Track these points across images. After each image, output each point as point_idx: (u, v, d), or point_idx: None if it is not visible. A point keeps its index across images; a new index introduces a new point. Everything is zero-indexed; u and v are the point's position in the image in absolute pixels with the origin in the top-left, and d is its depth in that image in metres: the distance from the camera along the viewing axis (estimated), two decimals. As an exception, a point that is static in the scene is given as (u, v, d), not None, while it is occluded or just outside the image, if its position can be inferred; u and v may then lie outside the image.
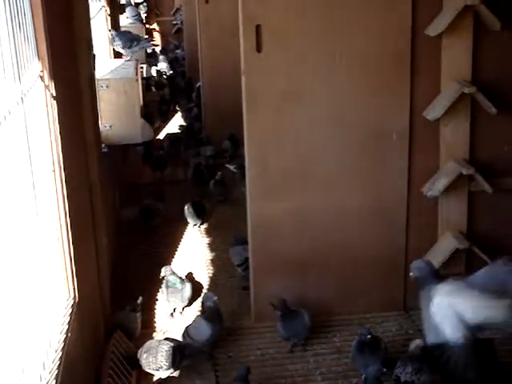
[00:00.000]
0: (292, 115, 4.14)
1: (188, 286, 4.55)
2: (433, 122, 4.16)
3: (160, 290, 4.62)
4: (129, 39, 5.70)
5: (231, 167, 6.42)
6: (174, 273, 4.58)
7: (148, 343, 3.87)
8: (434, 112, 4.13)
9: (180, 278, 4.59)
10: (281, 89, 4.08)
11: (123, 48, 5.73)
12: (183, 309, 4.58)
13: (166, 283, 4.52)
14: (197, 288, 4.79)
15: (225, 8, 7.28)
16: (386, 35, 4.06)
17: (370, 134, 4.20)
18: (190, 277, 4.95)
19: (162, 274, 4.55)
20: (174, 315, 4.55)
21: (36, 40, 2.93)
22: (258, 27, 3.94)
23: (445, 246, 4.30)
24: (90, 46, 4.54)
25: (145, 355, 3.79)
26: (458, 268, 4.37)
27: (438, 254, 4.28)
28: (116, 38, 5.81)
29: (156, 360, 3.77)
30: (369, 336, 3.72)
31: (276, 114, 4.13)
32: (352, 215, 4.30)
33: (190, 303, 4.61)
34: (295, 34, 4.02)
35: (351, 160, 4.23)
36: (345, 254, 4.34)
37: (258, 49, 3.96)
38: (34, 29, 2.92)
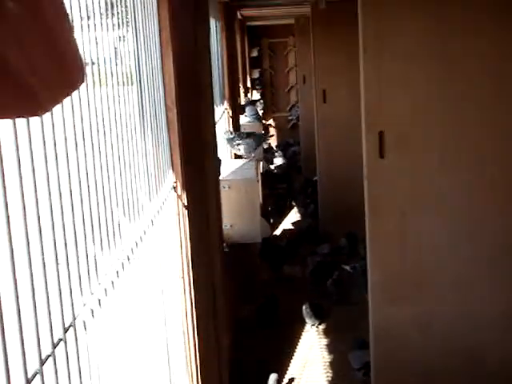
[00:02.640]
0: (416, 220, 4.10)
1: None
2: None
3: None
4: (250, 146, 5.90)
5: (347, 267, 6.38)
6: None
7: None
8: None
9: None
10: (405, 193, 4.07)
11: (245, 154, 5.94)
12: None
13: None
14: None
15: (342, 108, 7.44)
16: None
17: (503, 241, 4.06)
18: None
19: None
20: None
21: (171, 153, 3.08)
22: (380, 133, 3.98)
23: None
24: (216, 151, 4.73)
25: None
26: None
27: None
28: (238, 144, 6.03)
29: None
30: None
31: (400, 219, 4.10)
32: (486, 323, 4.14)
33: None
34: (418, 138, 4.03)
35: (480, 268, 4.10)
36: (478, 368, 4.15)
37: (381, 155, 3.99)
38: (170, 142, 3.08)
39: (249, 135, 6.39)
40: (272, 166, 11.62)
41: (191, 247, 3.27)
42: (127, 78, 2.47)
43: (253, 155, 6.01)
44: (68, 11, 1.80)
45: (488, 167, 4.03)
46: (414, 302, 4.16)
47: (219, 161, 4.81)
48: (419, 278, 4.14)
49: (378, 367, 4.28)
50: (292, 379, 4.92)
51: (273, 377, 4.18)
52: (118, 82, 2.29)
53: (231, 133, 6.51)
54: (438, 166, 4.05)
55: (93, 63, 2.01)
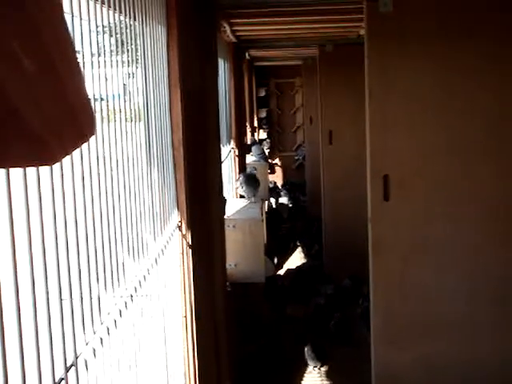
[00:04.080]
0: (418, 264, 4.10)
1: None
2: None
3: None
4: (254, 188, 5.95)
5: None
6: None
7: None
8: None
9: None
10: (408, 238, 4.08)
11: (248, 197, 5.98)
12: None
13: None
14: None
15: (348, 149, 7.48)
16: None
17: (500, 284, 4.08)
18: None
19: None
20: None
21: (176, 192, 3.10)
22: (385, 177, 4.00)
23: None
24: (221, 190, 4.76)
25: None
26: None
27: None
28: (243, 186, 6.07)
29: None
30: None
31: (402, 262, 4.11)
32: (487, 368, 4.11)
33: None
34: (421, 183, 4.05)
35: (481, 312, 4.09)
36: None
37: (386, 198, 4.01)
38: (176, 181, 3.10)
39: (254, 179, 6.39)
40: (276, 205, 11.64)
41: (194, 286, 3.27)
42: (135, 115, 2.51)
43: (253, 199, 6.05)
44: (79, 56, 1.83)
45: (496, 210, 4.04)
46: (416, 346, 4.14)
47: (224, 200, 4.83)
48: (421, 321, 4.13)
49: (380, 411, 4.24)
50: None
51: None
52: (126, 119, 2.32)
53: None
54: (441, 211, 4.07)
55: (102, 99, 2.04)
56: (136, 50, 2.59)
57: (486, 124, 3.99)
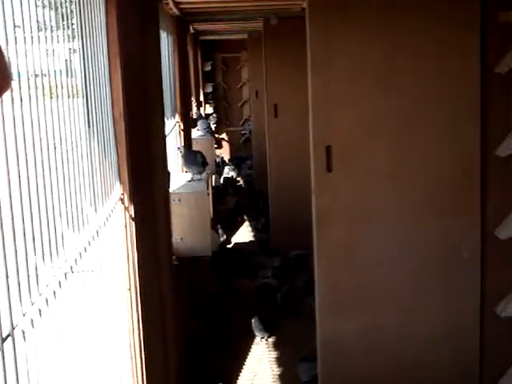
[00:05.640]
0: (361, 232, 4.17)
1: None
2: (505, 241, 4.11)
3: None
4: (198, 167, 5.92)
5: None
6: None
7: None
8: (505, 231, 4.09)
9: None
10: (350, 207, 4.14)
11: (193, 175, 5.98)
12: None
13: None
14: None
15: (293, 123, 7.52)
16: (455, 156, 4.10)
17: (440, 252, 4.18)
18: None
19: None
20: None
21: (118, 166, 3.07)
22: (328, 148, 4.05)
23: (522, 368, 4.15)
24: (165, 164, 4.73)
25: None
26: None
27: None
28: (186, 165, 6.06)
29: None
30: None
31: (345, 232, 4.17)
32: (423, 337, 4.22)
33: None
34: (364, 153, 4.11)
35: (421, 280, 4.20)
36: (416, 378, 4.24)
37: (329, 169, 4.06)
38: (118, 154, 3.07)
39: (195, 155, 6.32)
40: (223, 179, 11.65)
41: (138, 259, 3.26)
42: (76, 87, 2.47)
43: (199, 177, 6.03)
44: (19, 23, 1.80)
45: (433, 181, 4.13)
46: (360, 315, 4.22)
47: (169, 174, 4.81)
48: (365, 290, 4.21)
49: (324, 379, 4.32)
50: None
51: None
52: (68, 95, 2.30)
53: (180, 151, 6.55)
54: (383, 180, 4.13)
55: (44, 75, 2.02)
56: (77, 23, 2.55)
57: (428, 98, 4.06)
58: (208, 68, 14.39)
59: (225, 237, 8.54)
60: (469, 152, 4.11)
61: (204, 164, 5.97)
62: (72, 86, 2.45)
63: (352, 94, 4.06)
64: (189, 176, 6.23)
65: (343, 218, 4.14)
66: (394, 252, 4.20)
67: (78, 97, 2.47)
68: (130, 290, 3.22)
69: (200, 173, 5.97)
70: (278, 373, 5.37)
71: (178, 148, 6.75)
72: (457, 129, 4.08)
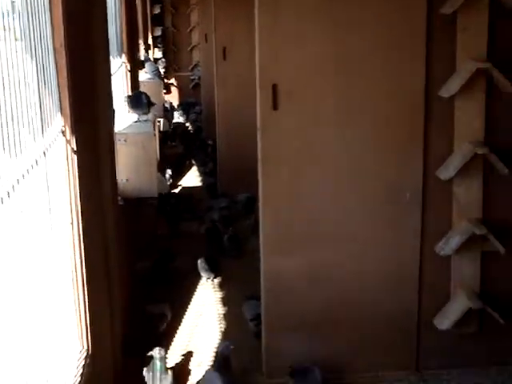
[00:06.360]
0: (306, 172, 4.19)
1: (168, 381, 4.16)
2: (446, 181, 4.20)
3: (145, 367, 4.20)
4: (142, 110, 5.87)
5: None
6: (163, 358, 4.20)
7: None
8: (446, 172, 4.17)
9: (166, 367, 4.21)
10: (295, 146, 4.15)
11: (139, 116, 5.91)
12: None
13: (152, 365, 4.16)
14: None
15: (242, 65, 7.44)
16: (400, 95, 4.13)
17: (383, 192, 4.23)
18: (182, 367, 4.61)
19: (152, 354, 4.16)
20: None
21: (60, 96, 3.01)
22: (274, 86, 4.03)
23: (458, 305, 4.28)
24: (110, 101, 4.66)
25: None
26: (471, 328, 4.35)
27: (450, 314, 4.27)
28: (131, 106, 5.99)
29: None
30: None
31: (290, 171, 4.18)
32: (364, 273, 4.31)
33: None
34: (310, 93, 4.10)
35: (364, 218, 4.26)
36: (358, 313, 4.33)
37: (275, 107, 4.05)
38: (58, 85, 3.01)
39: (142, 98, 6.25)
40: (171, 124, 11.55)
41: (81, 194, 3.23)
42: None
43: (145, 117, 5.96)
44: None
45: (379, 119, 4.17)
46: (303, 253, 4.27)
47: (113, 111, 4.74)
48: (308, 228, 4.25)
49: (268, 316, 4.39)
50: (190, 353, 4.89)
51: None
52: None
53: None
54: (329, 118, 4.15)
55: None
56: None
57: (376, 34, 4.06)
58: (157, 11, 14.12)
59: (171, 181, 8.51)
60: (413, 94, 4.15)
61: (149, 104, 5.90)
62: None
63: (300, 31, 4.03)
64: (135, 117, 6.16)
65: (289, 156, 4.15)
66: (339, 190, 4.24)
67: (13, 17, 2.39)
68: (72, 224, 3.20)
69: (145, 114, 5.90)
70: (223, 312, 5.43)
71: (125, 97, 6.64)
72: (402, 65, 4.10)
